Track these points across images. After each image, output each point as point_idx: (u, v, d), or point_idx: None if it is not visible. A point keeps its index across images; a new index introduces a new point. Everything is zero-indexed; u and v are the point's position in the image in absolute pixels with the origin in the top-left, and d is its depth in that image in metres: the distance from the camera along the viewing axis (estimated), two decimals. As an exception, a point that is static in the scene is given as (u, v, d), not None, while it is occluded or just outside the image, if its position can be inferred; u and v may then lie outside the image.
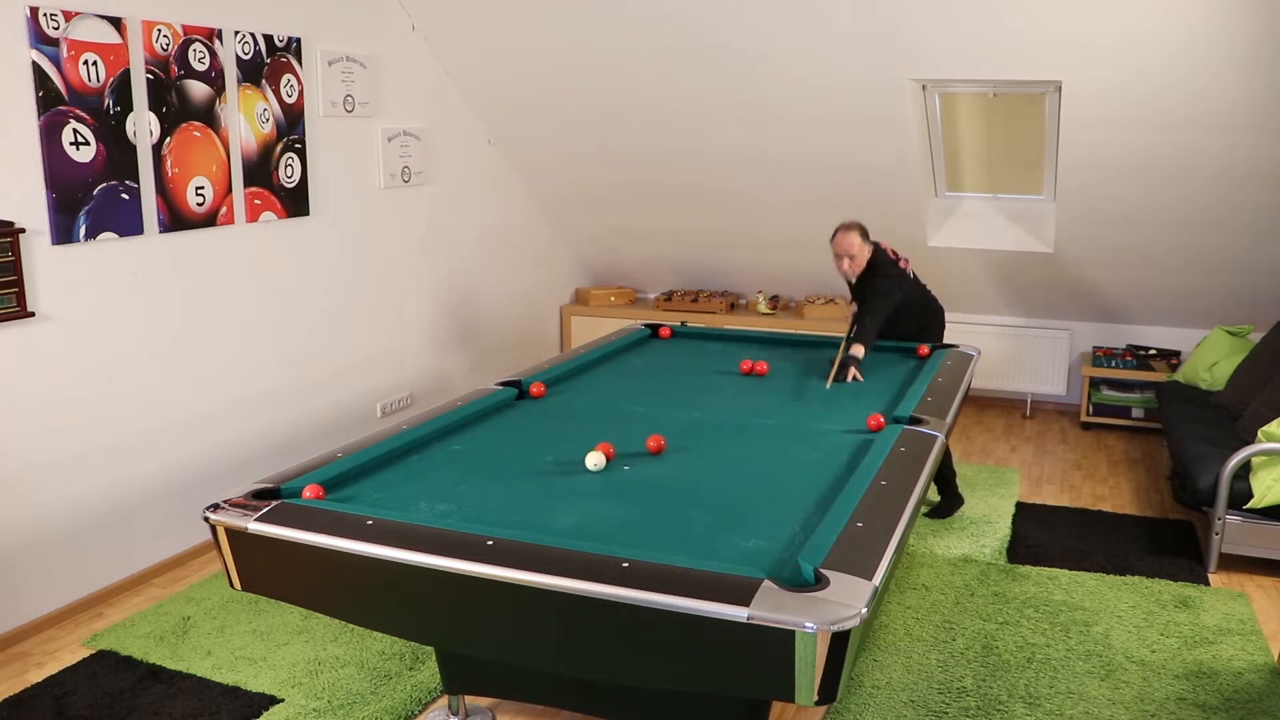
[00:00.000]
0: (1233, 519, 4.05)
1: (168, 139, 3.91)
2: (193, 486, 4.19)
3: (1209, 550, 4.11)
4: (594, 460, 2.97)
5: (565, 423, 3.44)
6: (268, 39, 4.30)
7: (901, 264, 4.53)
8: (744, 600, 2.03)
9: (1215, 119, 4.56)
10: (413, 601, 2.41)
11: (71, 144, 3.56)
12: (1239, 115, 4.51)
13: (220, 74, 4.10)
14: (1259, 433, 4.06)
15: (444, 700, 3.13)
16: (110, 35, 3.65)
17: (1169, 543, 4.38)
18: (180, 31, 3.91)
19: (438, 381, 5.65)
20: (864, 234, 4.41)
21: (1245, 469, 4.05)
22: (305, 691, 3.21)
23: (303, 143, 4.54)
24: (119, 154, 3.72)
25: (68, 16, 3.50)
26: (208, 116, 4.07)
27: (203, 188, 4.08)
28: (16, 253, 3.43)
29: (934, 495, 4.66)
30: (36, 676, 3.34)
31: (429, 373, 5.58)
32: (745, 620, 2.00)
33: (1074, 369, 6.28)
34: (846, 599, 2.05)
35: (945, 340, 4.72)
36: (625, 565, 2.19)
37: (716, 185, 5.92)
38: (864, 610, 2.02)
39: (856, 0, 4.48)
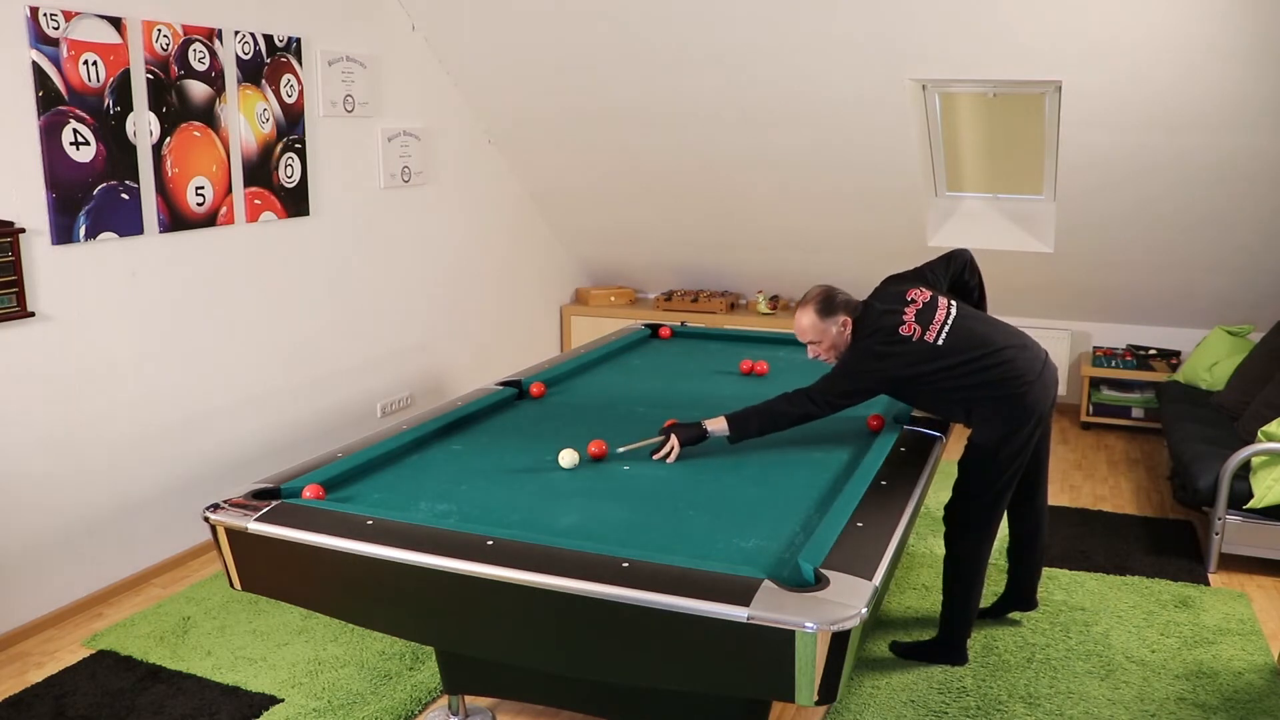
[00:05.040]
0: (1233, 519, 4.05)
1: (168, 139, 3.90)
2: (193, 486, 4.19)
3: (1209, 550, 4.11)
4: (568, 459, 2.98)
5: (565, 423, 3.44)
6: (268, 39, 4.30)
7: (908, 330, 3.07)
8: (744, 600, 2.03)
9: (1215, 119, 4.56)
10: (413, 601, 2.41)
11: (71, 144, 3.56)
12: (1239, 116, 4.51)
13: (220, 74, 4.10)
14: (1259, 433, 4.06)
15: (444, 700, 3.13)
16: (110, 35, 3.65)
17: (1169, 543, 4.37)
18: (180, 31, 3.91)
19: (438, 381, 5.65)
20: (825, 309, 3.11)
21: (1245, 469, 4.05)
22: (305, 691, 3.21)
23: (303, 143, 4.53)
24: (119, 154, 3.72)
25: (68, 16, 3.50)
26: (208, 116, 4.07)
27: (203, 188, 4.08)
28: (16, 253, 3.43)
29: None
30: (36, 676, 3.34)
31: (429, 373, 5.58)
32: (745, 620, 2.00)
33: (1074, 369, 6.28)
34: (846, 599, 2.05)
35: None
36: (625, 565, 2.20)
37: (716, 185, 5.92)
38: (864, 610, 2.02)
39: (856, 0, 4.48)
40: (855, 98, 5.01)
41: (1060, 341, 6.13)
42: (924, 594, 3.86)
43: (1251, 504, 3.98)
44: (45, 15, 3.43)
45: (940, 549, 4.24)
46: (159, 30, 3.83)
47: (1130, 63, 4.41)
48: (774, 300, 6.64)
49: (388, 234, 5.15)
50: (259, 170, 4.33)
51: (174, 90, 3.91)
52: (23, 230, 3.45)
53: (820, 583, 2.13)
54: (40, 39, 3.42)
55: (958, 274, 3.42)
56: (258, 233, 4.38)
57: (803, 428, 3.20)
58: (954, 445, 3.91)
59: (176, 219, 3.98)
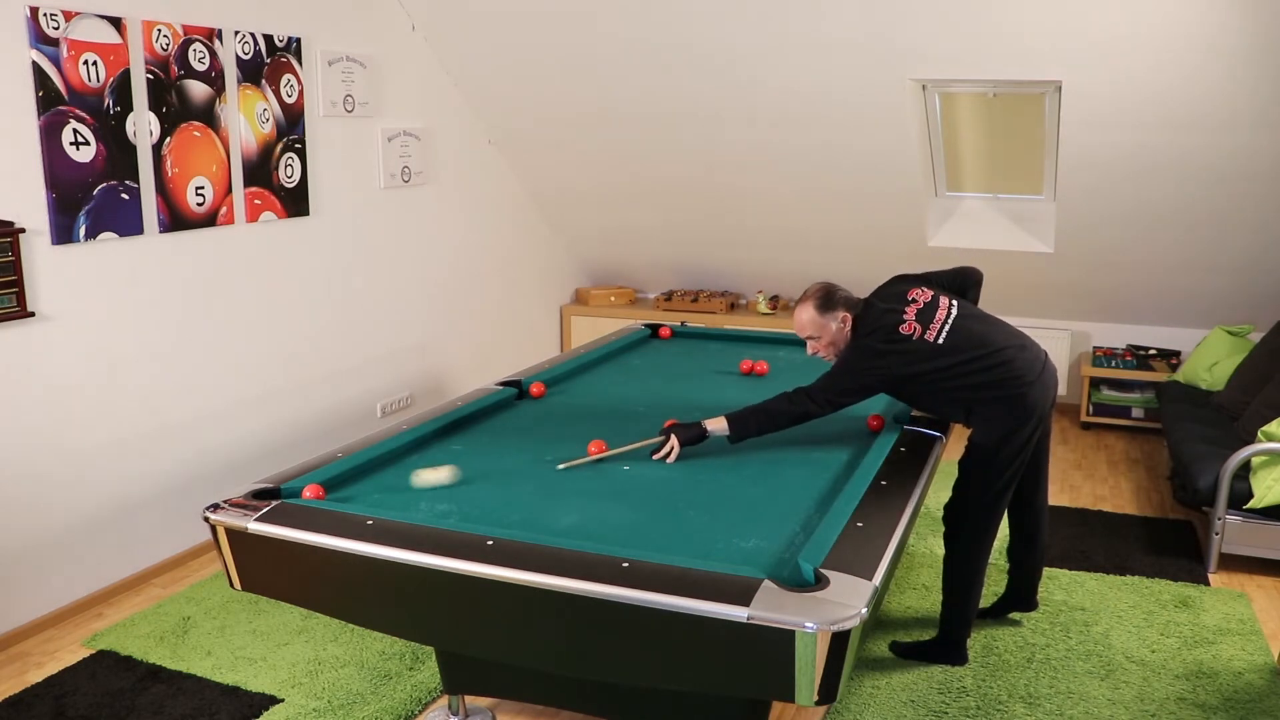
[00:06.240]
0: (1233, 519, 4.05)
1: (168, 139, 3.90)
2: (193, 486, 4.19)
3: (1209, 550, 4.11)
4: (433, 477, 2.80)
5: (565, 423, 3.44)
6: (268, 39, 4.30)
7: (908, 329, 3.08)
8: (744, 600, 2.03)
9: (1215, 119, 4.56)
10: (413, 601, 2.41)
11: (71, 144, 3.56)
12: (1239, 115, 4.51)
13: (220, 74, 4.10)
14: (1259, 433, 4.06)
15: (444, 700, 3.13)
16: (110, 35, 3.65)
17: (1169, 543, 4.37)
18: (180, 31, 3.91)
19: (438, 381, 5.65)
20: (824, 304, 3.15)
21: (1245, 469, 4.05)
22: (305, 691, 3.21)
23: (303, 143, 4.53)
24: (119, 154, 3.72)
25: (68, 16, 3.50)
26: (208, 116, 4.07)
27: (203, 188, 4.08)
28: (16, 253, 3.43)
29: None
30: (36, 676, 3.34)
31: (429, 373, 5.58)
32: (745, 620, 2.00)
33: (1074, 369, 6.28)
34: (846, 599, 2.05)
35: None
36: (625, 565, 2.19)
37: (717, 185, 5.92)
38: (864, 610, 2.02)
39: (856, 0, 4.48)
40: (855, 98, 5.01)
41: (1060, 341, 6.13)
42: (924, 594, 3.86)
43: (1251, 504, 3.98)
44: (45, 15, 3.43)
45: (940, 549, 4.24)
46: (159, 30, 3.83)
47: (1130, 63, 4.41)
48: (774, 300, 6.64)
49: (388, 234, 5.15)
50: (259, 170, 4.33)
51: (174, 90, 3.91)
52: (23, 230, 3.45)
53: (820, 583, 2.13)
54: (40, 39, 3.42)
55: (965, 289, 3.39)
56: (258, 233, 4.38)
57: (803, 427, 3.20)
58: (954, 445, 3.91)
59: (176, 219, 3.98)
